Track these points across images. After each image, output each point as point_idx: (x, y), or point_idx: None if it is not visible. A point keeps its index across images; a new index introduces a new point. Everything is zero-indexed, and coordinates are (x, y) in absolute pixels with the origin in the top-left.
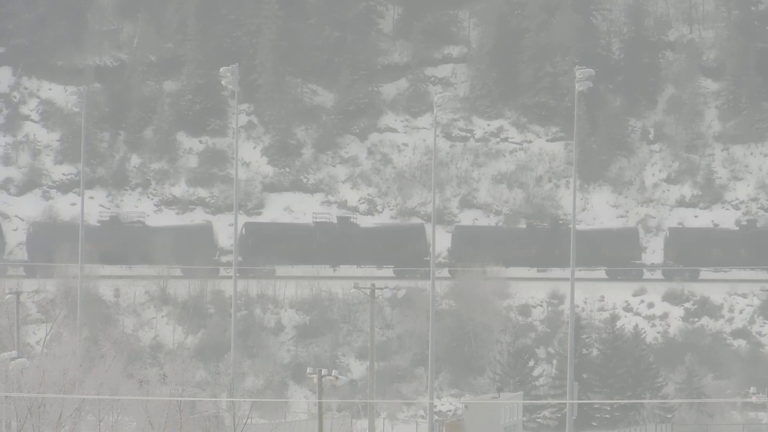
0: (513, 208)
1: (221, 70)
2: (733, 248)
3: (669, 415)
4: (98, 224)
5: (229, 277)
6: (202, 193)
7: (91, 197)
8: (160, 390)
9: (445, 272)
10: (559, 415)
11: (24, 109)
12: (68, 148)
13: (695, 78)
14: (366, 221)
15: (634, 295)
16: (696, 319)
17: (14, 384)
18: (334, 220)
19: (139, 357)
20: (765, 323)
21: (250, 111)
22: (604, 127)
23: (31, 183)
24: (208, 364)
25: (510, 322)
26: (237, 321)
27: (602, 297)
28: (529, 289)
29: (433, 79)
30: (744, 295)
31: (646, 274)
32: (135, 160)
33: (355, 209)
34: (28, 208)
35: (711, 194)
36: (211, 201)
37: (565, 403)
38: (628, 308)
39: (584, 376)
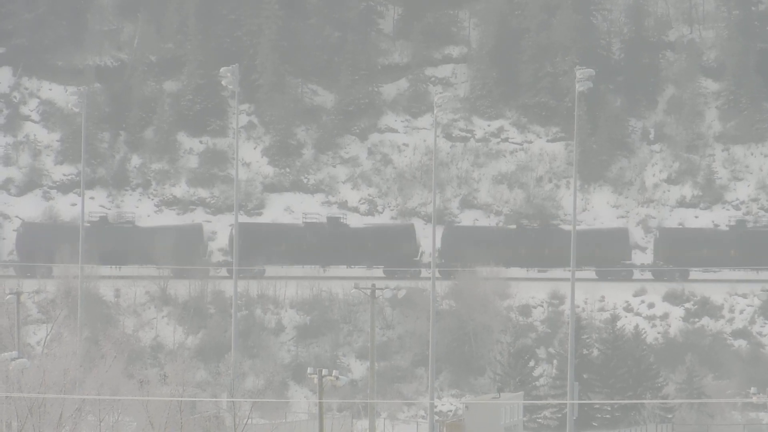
0: (513, 209)
1: (221, 70)
2: (723, 248)
3: (669, 416)
4: (88, 225)
5: (220, 278)
6: (203, 193)
7: (92, 197)
8: (161, 390)
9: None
10: (559, 415)
11: (24, 110)
12: (68, 149)
13: (695, 78)
14: (356, 222)
15: (635, 295)
16: (696, 320)
17: (15, 384)
18: (324, 221)
19: (139, 357)
20: (765, 323)
21: (250, 111)
22: (604, 128)
23: (31, 183)
24: (209, 365)
25: (510, 322)
26: (237, 321)
27: (603, 297)
28: (530, 290)
29: (433, 79)
30: (744, 296)
31: (636, 274)
32: (135, 160)
33: (355, 209)
34: (29, 208)
35: (711, 194)
36: (212, 201)
37: (566, 404)
38: (628, 308)
39: (585, 376)
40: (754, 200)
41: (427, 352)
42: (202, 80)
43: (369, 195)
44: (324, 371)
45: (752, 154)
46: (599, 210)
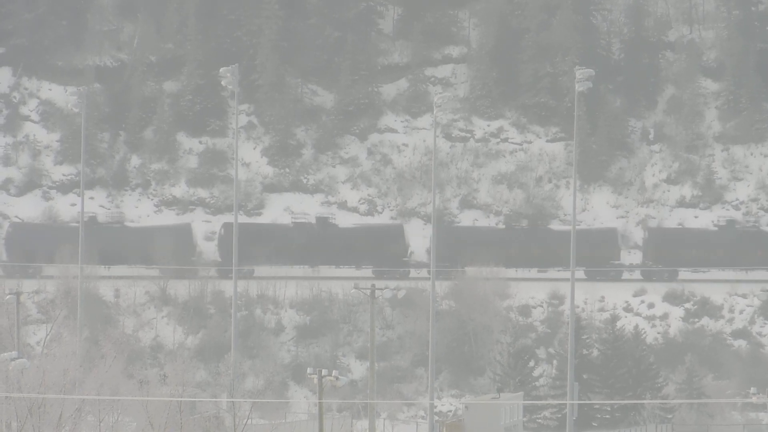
0: (513, 209)
1: (221, 70)
2: (711, 248)
3: (669, 416)
4: (76, 225)
5: (209, 278)
6: (202, 193)
7: (91, 198)
8: (161, 390)
9: (423, 272)
10: (559, 415)
11: (24, 110)
12: (68, 149)
13: (695, 78)
14: (345, 221)
15: (635, 295)
16: (696, 320)
17: (14, 384)
18: (313, 221)
19: (139, 357)
20: (765, 324)
21: (250, 111)
22: (604, 128)
23: (31, 183)
24: (209, 365)
25: (510, 322)
26: (237, 321)
27: (602, 297)
28: (530, 290)
29: (433, 79)
30: (744, 296)
31: (626, 275)
32: (135, 160)
33: (355, 210)
34: (28, 208)
35: (711, 195)
36: (211, 201)
37: (566, 404)
38: (628, 309)
39: (584, 376)
40: (754, 200)
41: (426, 352)
42: (202, 80)
43: (369, 195)
44: (324, 371)
45: (752, 154)
46: (599, 210)
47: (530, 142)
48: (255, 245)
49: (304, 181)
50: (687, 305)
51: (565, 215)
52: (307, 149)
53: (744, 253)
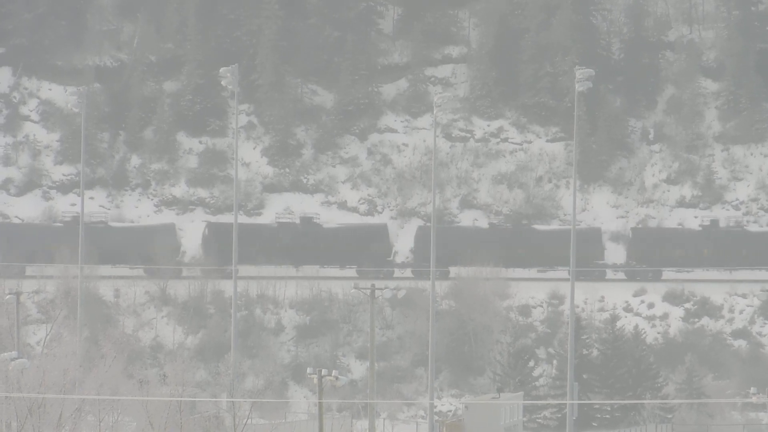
0: (513, 209)
1: (221, 70)
2: (696, 248)
3: (669, 416)
4: (61, 225)
5: (191, 278)
6: (202, 193)
7: (91, 198)
8: (161, 390)
9: (408, 272)
10: (559, 415)
11: (24, 110)
12: (68, 149)
13: (695, 78)
14: (329, 221)
15: (635, 295)
16: (696, 320)
17: (14, 384)
18: (297, 221)
19: (139, 357)
20: (765, 323)
21: (250, 111)
22: (604, 128)
23: (31, 183)
24: (209, 365)
25: (510, 322)
26: (237, 321)
27: (602, 297)
28: (529, 290)
29: (433, 79)
30: (744, 296)
31: (609, 275)
32: (135, 160)
33: (354, 209)
34: (28, 208)
35: (711, 195)
36: (211, 201)
37: (566, 404)
38: (628, 309)
39: (584, 376)
40: (754, 200)
41: (426, 352)
42: (202, 80)
43: (369, 195)
44: (324, 371)
45: (752, 154)
46: (599, 210)
47: (530, 142)
48: (240, 245)
49: (304, 181)
50: (687, 305)
51: (565, 215)
52: (307, 149)
53: (729, 253)
